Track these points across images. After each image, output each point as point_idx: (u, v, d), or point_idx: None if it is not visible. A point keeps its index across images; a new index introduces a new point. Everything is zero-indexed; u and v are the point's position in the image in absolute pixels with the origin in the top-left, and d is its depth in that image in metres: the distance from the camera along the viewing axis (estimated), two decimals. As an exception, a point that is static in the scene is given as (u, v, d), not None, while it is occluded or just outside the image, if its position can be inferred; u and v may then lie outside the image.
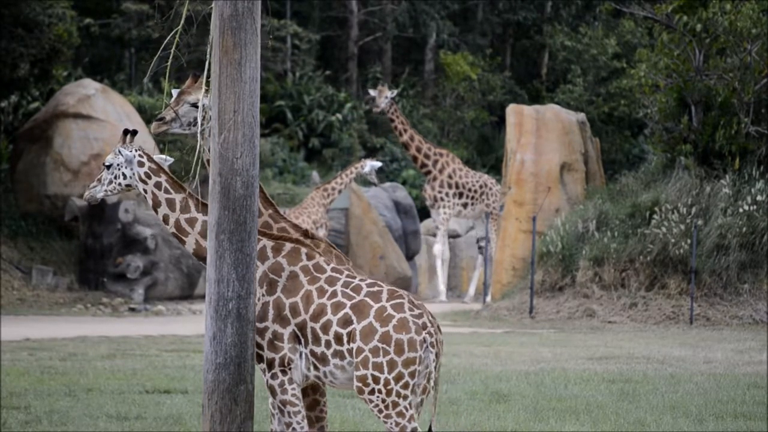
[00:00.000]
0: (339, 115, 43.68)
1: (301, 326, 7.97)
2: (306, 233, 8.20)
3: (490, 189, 28.64)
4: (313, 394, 8.34)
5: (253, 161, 7.17)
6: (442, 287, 30.51)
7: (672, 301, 25.81)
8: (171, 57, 7.33)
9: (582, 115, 31.25)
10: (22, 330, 21.57)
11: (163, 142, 36.63)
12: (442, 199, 27.41)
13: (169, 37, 7.26)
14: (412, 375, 7.79)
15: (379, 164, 27.06)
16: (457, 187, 27.44)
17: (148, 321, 25.54)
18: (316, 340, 7.96)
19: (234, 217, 7.17)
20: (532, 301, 26.61)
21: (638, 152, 46.03)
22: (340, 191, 26.49)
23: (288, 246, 8.00)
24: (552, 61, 50.93)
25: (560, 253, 27.03)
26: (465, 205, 27.72)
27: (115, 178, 8.39)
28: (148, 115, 36.08)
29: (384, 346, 7.80)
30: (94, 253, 29.39)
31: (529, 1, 50.62)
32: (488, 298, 29.04)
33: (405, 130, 26.46)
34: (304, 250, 8.00)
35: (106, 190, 8.43)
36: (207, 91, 7.70)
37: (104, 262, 29.29)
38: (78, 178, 31.38)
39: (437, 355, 7.98)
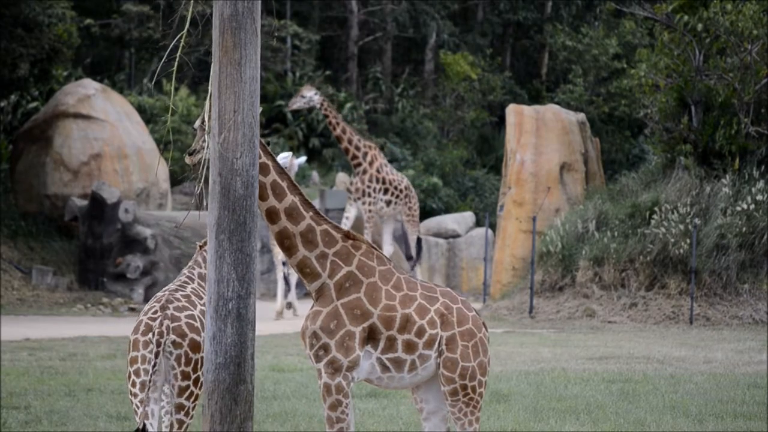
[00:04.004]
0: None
1: None
2: (347, 234, 8.20)
3: (412, 192, 28.05)
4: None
5: (253, 161, 7.17)
6: None
7: (672, 301, 25.80)
8: (177, 60, 7.32)
9: (582, 115, 31.26)
10: (22, 330, 21.56)
11: (165, 142, 36.66)
12: (369, 195, 26.83)
13: (175, 41, 7.24)
14: (136, 373, 8.21)
15: (303, 159, 27.29)
16: (383, 182, 26.89)
17: (148, 321, 25.51)
18: None
19: (234, 217, 7.17)
20: (532, 301, 26.61)
21: (638, 152, 46.02)
22: None
23: None
24: (552, 61, 50.92)
25: (560, 253, 27.02)
26: (388, 203, 27.11)
27: None
28: (148, 115, 36.10)
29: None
30: (94, 253, 29.37)
31: (529, 1, 50.61)
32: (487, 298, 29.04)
33: (338, 124, 26.19)
34: None
35: None
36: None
37: (104, 262, 29.28)
38: (78, 178, 31.38)
39: (181, 356, 8.32)
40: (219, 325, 7.20)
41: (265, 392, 13.92)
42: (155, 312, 8.34)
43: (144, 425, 8.14)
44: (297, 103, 26.81)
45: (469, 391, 8.21)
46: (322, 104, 26.07)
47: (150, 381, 8.20)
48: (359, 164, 26.52)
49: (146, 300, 29.02)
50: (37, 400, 13.23)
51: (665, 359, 18.34)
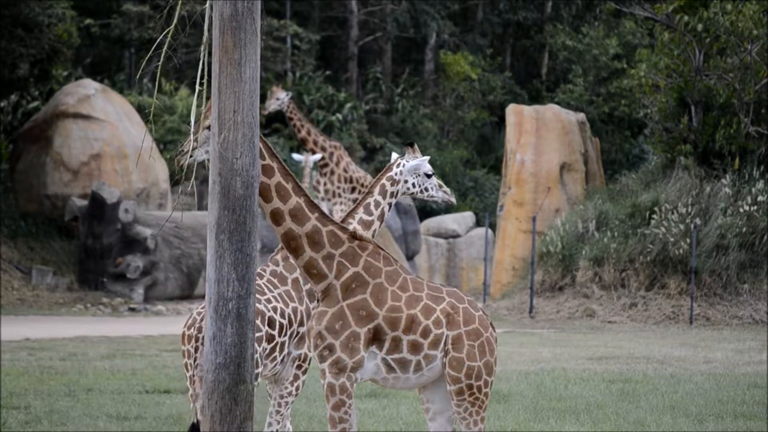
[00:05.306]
0: (339, 115, 43.67)
1: None
2: (353, 234, 8.20)
3: None
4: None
5: (253, 161, 7.17)
6: None
7: (672, 301, 25.81)
8: (163, 56, 7.31)
9: (582, 115, 31.27)
10: (22, 330, 21.56)
11: (163, 142, 36.61)
12: (339, 195, 26.69)
13: (161, 37, 7.24)
14: (185, 367, 8.49)
15: (318, 156, 26.93)
16: (350, 181, 26.77)
17: (148, 321, 25.54)
18: None
19: (234, 217, 7.17)
20: (532, 301, 26.61)
21: (638, 152, 46.04)
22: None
23: None
24: (552, 61, 50.94)
25: (560, 253, 27.03)
26: (355, 201, 27.05)
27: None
28: (147, 115, 36.08)
29: None
30: (94, 253, 29.37)
31: (529, 1, 50.62)
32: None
33: (302, 126, 26.09)
34: None
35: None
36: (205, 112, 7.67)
37: (104, 262, 29.27)
38: (78, 178, 31.37)
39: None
40: (219, 325, 7.21)
41: (264, 392, 13.92)
42: (204, 306, 8.49)
43: (196, 422, 8.18)
44: (273, 105, 26.71)
45: (475, 390, 8.18)
46: (288, 106, 26.01)
47: (195, 375, 8.35)
48: (326, 165, 26.48)
49: (146, 300, 29.05)
50: (37, 400, 13.22)
51: (665, 359, 18.34)
